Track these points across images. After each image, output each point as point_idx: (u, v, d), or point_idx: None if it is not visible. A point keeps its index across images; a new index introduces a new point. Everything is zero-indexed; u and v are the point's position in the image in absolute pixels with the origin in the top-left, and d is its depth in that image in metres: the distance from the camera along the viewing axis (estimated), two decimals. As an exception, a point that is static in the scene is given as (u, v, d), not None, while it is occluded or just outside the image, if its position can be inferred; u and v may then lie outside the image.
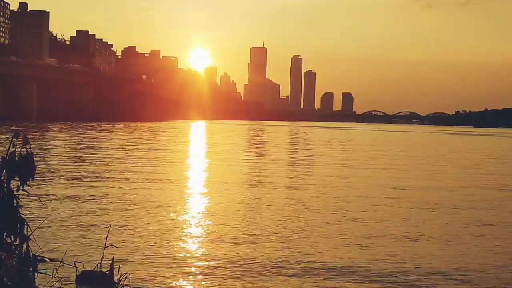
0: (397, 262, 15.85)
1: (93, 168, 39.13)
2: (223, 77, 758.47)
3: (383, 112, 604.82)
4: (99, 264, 11.93)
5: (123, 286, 10.73)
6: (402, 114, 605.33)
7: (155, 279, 13.59)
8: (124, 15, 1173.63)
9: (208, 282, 13.71)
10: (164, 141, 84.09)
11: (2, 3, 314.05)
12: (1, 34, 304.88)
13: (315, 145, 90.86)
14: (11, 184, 5.23)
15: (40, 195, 24.47)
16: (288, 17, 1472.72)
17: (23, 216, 5.28)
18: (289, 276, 14.35)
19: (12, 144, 5.18)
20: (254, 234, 18.90)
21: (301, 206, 24.94)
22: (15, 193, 5.23)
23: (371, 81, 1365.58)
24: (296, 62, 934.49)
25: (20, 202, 5.26)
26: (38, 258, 5.41)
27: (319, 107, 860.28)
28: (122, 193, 27.06)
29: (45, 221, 18.54)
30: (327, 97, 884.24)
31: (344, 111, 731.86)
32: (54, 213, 20.96)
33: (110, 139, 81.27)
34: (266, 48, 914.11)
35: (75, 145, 66.85)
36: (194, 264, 15.23)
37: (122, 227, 19.26)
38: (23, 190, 5.28)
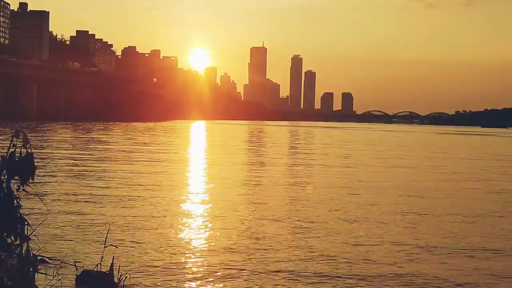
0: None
1: (93, 168, 39.13)
2: (223, 77, 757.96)
3: (383, 112, 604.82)
4: (99, 264, 11.92)
5: (123, 286, 10.71)
6: (402, 114, 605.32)
7: (155, 279, 13.59)
8: (124, 15, 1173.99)
9: (209, 281, 13.71)
10: (164, 141, 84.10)
11: (2, 3, 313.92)
12: (1, 34, 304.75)
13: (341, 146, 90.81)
14: (11, 184, 5.22)
15: (40, 195, 24.47)
16: (288, 17, 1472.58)
17: (23, 216, 5.27)
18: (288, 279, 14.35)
19: (12, 144, 5.17)
20: (256, 237, 18.90)
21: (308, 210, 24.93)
22: (15, 193, 5.23)
23: (371, 81, 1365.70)
24: (296, 62, 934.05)
25: (20, 202, 5.25)
26: (38, 258, 5.40)
27: (319, 107, 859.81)
28: (122, 193, 27.06)
29: (45, 221, 18.55)
30: (327, 97, 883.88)
31: (344, 111, 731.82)
32: (54, 213, 20.96)
33: (110, 139, 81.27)
34: (266, 48, 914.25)
35: (75, 145, 66.84)
36: (195, 264, 15.22)
37: (122, 227, 19.26)
38: (23, 190, 5.27)
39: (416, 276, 14.66)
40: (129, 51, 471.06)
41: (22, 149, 5.18)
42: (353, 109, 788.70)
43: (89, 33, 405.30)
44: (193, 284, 13.57)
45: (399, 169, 46.57)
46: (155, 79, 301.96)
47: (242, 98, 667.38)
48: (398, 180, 37.15)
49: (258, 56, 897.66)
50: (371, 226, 20.86)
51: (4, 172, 5.13)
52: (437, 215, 23.93)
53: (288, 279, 14.08)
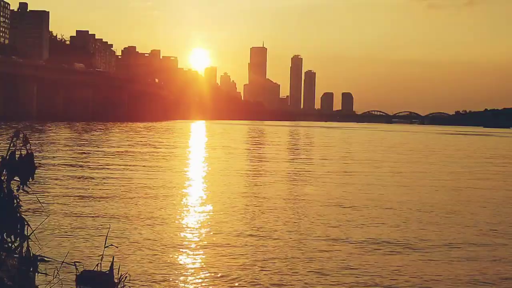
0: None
1: (92, 168, 39.12)
2: (223, 77, 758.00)
3: (383, 112, 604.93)
4: (99, 264, 11.94)
5: (123, 286, 10.72)
6: (402, 114, 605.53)
7: (156, 279, 13.59)
8: (124, 15, 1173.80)
9: (210, 281, 13.70)
10: (164, 141, 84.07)
11: (2, 3, 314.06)
12: (1, 34, 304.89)
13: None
14: (11, 184, 5.22)
15: (40, 195, 24.47)
16: (288, 17, 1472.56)
17: (23, 216, 5.28)
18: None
19: (12, 144, 5.17)
20: (257, 241, 18.91)
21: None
22: (15, 193, 5.23)
23: (371, 81, 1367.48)
24: (296, 62, 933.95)
25: (20, 202, 5.25)
26: (38, 258, 5.40)
27: (319, 107, 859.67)
28: (122, 193, 27.06)
29: (45, 221, 18.55)
30: (327, 97, 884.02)
31: (344, 111, 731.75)
32: (54, 213, 20.96)
33: (110, 139, 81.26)
34: (266, 48, 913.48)
35: (75, 145, 66.81)
36: (196, 263, 15.22)
37: (122, 226, 19.26)
38: (23, 190, 5.27)
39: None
40: (129, 51, 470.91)
41: (22, 149, 5.18)
42: (353, 109, 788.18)
43: (89, 33, 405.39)
44: (193, 284, 13.57)
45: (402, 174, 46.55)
46: (156, 80, 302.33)
47: (242, 98, 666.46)
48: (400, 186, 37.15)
49: (258, 56, 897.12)
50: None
51: (4, 172, 5.13)
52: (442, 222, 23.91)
53: None
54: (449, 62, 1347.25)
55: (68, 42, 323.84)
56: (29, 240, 5.20)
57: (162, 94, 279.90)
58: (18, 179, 5.21)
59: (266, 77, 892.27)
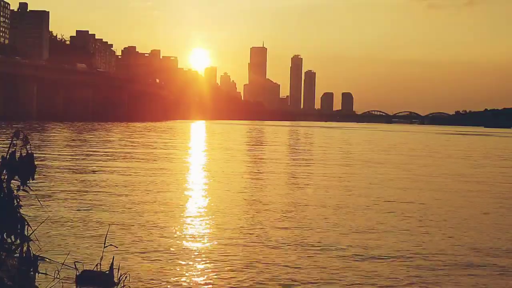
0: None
1: (92, 168, 39.12)
2: (223, 77, 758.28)
3: (383, 112, 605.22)
4: (99, 264, 11.94)
5: (123, 286, 10.72)
6: (402, 114, 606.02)
7: (156, 279, 13.59)
8: (124, 15, 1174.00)
9: (209, 281, 13.71)
10: (164, 141, 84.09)
11: (2, 3, 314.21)
12: (1, 34, 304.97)
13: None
14: (11, 184, 5.23)
15: (40, 195, 24.47)
16: (288, 17, 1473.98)
17: (23, 216, 5.28)
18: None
19: (12, 144, 5.17)
20: (258, 243, 18.91)
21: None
22: (15, 193, 5.23)
23: (371, 81, 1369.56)
24: (296, 62, 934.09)
25: (20, 202, 5.25)
26: (38, 258, 5.40)
27: (319, 107, 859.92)
28: (122, 193, 27.06)
29: (45, 221, 18.54)
30: (327, 97, 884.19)
31: (344, 111, 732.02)
32: (54, 213, 20.95)
33: (110, 140, 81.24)
34: (266, 48, 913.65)
35: (75, 145, 66.82)
36: (195, 263, 15.22)
37: (122, 226, 19.25)
38: (23, 190, 5.27)
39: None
40: (129, 51, 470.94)
41: (22, 149, 5.18)
42: (353, 109, 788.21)
43: (89, 33, 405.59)
44: (194, 284, 13.57)
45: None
46: (157, 80, 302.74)
47: (242, 98, 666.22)
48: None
49: (258, 56, 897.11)
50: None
51: (4, 172, 5.14)
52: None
53: None
54: (449, 62, 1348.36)
55: (68, 42, 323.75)
56: (29, 240, 5.21)
57: (162, 94, 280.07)
58: (18, 179, 5.22)
59: (266, 77, 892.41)
